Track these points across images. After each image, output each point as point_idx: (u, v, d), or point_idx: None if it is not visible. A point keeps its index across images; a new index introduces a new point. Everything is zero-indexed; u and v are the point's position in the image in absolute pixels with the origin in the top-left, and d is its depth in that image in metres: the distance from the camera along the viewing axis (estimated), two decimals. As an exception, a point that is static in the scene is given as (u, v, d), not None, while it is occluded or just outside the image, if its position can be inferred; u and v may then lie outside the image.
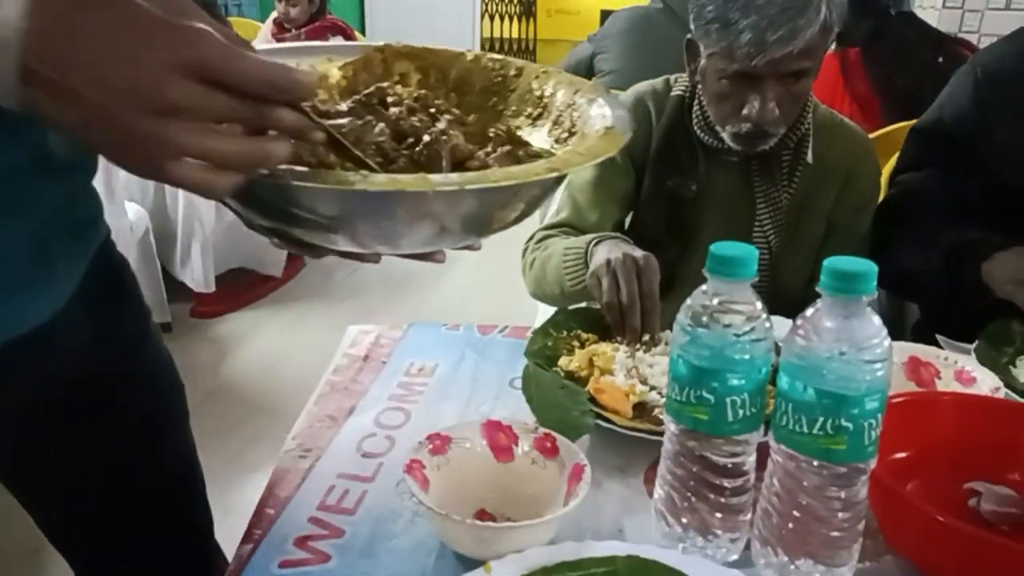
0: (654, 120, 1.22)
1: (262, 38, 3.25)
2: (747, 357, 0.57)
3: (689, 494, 0.62)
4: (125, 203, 2.36)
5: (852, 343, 0.54)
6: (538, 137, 0.62)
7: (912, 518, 0.60)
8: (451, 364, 0.92)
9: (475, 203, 0.52)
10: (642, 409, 0.81)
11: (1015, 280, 0.92)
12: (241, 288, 2.86)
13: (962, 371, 0.85)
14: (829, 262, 0.55)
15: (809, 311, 0.56)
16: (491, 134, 0.59)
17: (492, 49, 5.68)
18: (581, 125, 0.59)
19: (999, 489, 0.67)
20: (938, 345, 1.03)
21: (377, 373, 0.89)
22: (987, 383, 0.82)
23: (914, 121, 1.30)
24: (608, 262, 0.95)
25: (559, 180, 0.55)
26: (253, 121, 0.46)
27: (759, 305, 0.58)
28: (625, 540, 0.63)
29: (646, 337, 0.91)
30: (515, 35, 6.14)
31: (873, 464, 0.57)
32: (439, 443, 0.67)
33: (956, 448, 0.69)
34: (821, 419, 0.55)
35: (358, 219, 0.52)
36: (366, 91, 0.59)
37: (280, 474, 0.71)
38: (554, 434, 0.68)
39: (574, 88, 0.62)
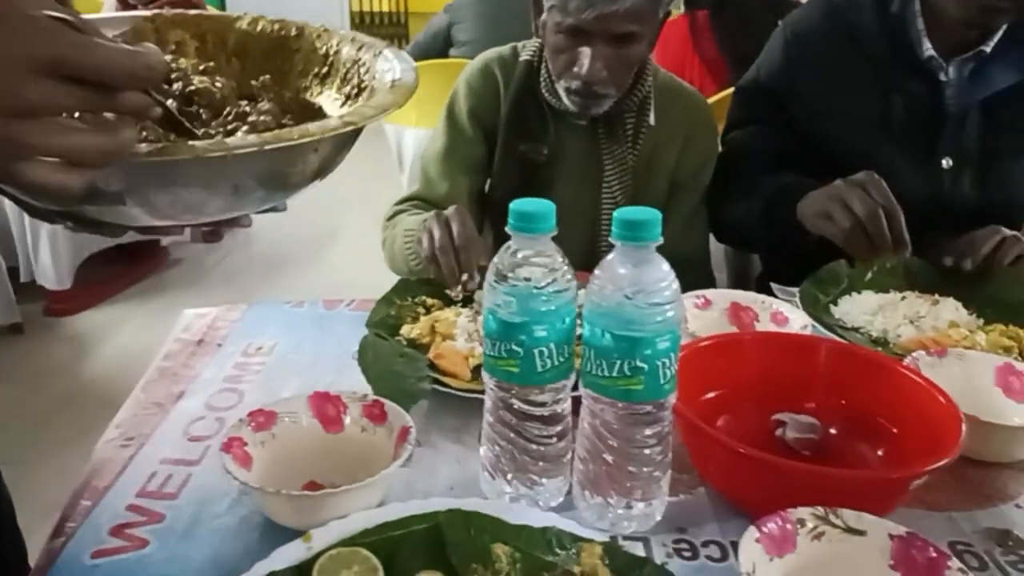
0: (502, 87, 1.23)
1: (107, 10, 3.05)
2: (551, 308, 0.59)
3: (510, 446, 0.63)
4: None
5: (640, 288, 0.57)
6: (327, 96, 0.61)
7: (717, 451, 0.64)
8: (291, 342, 0.90)
9: (272, 162, 0.51)
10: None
11: (818, 213, 0.99)
12: (101, 282, 2.70)
13: (778, 313, 0.91)
14: (619, 212, 0.57)
15: (605, 261, 0.59)
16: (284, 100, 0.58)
17: (363, 23, 5.55)
18: (369, 80, 0.59)
19: (800, 418, 0.73)
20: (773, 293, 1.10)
21: (211, 356, 0.87)
22: (798, 322, 0.88)
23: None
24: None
25: (355, 134, 0.54)
26: (101, 109, 0.43)
27: (559, 258, 0.60)
28: (455, 497, 0.65)
29: (466, 278, 0.93)
30: (386, 8, 6.02)
31: (672, 400, 0.60)
32: (263, 419, 0.66)
33: (761, 383, 0.74)
34: (618, 362, 0.57)
35: (152, 190, 0.50)
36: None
37: (98, 464, 0.68)
38: (383, 400, 0.69)
39: (357, 44, 0.62)
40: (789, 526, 0.55)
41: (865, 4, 1.15)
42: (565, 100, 1.17)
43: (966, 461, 0.72)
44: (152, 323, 2.55)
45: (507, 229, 0.59)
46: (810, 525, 0.56)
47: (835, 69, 1.16)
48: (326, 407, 0.68)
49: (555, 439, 0.64)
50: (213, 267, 3.09)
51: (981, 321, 0.97)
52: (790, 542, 0.55)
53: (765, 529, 0.54)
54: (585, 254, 1.28)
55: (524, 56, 1.24)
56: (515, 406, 0.62)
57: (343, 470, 0.66)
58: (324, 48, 0.63)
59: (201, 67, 0.59)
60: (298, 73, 0.62)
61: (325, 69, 0.62)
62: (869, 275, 1.06)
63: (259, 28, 0.63)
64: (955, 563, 0.52)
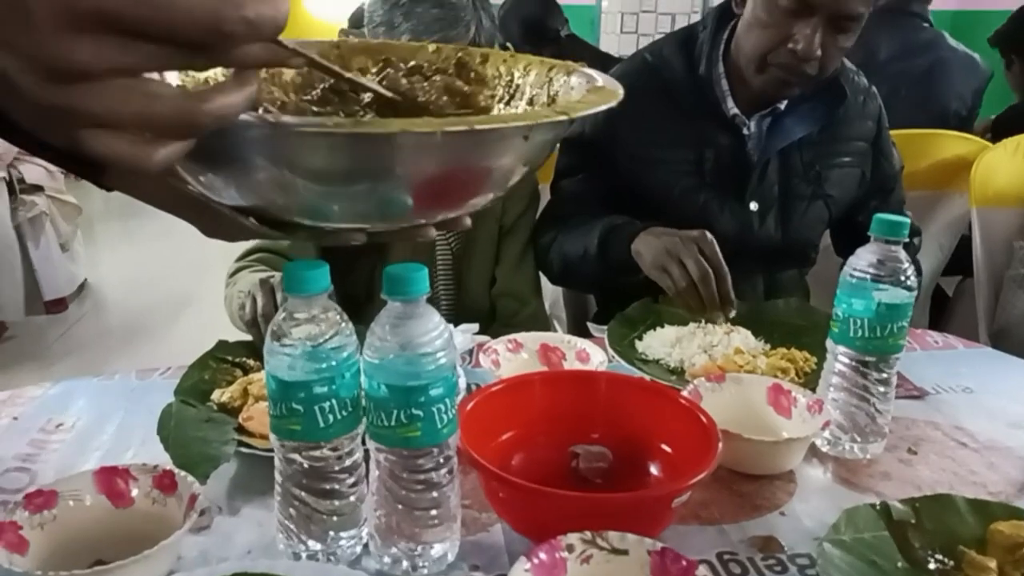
0: None
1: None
2: (331, 364, 0.61)
3: (302, 504, 0.64)
4: None
5: (411, 339, 0.60)
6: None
7: (498, 487, 0.67)
8: (96, 417, 0.88)
9: (481, 149, 0.45)
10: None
11: (656, 265, 1.07)
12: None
13: (582, 351, 0.97)
14: (388, 269, 0.60)
15: (380, 315, 0.61)
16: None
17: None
18: (563, 95, 0.56)
19: (592, 448, 0.78)
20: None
21: (2, 434, 0.83)
22: (596, 358, 0.94)
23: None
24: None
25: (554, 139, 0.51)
26: (186, 66, 0.36)
27: (336, 316, 0.62)
28: (252, 560, 0.65)
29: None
30: None
31: (454, 443, 0.64)
32: (41, 500, 0.64)
33: (553, 420, 0.78)
34: (395, 411, 0.60)
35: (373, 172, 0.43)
36: (329, 83, 0.53)
37: None
38: (173, 469, 0.68)
39: (548, 67, 0.59)
40: (559, 552, 0.59)
41: (676, 64, 1.26)
42: None
43: (740, 476, 0.79)
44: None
45: (284, 291, 0.61)
46: (579, 549, 0.59)
47: (653, 122, 1.27)
48: (113, 481, 0.67)
49: (346, 492, 0.65)
50: (55, 341, 2.91)
51: (768, 347, 1.06)
52: (560, 567, 0.59)
53: (535, 558, 0.58)
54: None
55: None
56: (302, 464, 0.63)
57: (133, 546, 0.65)
58: (510, 73, 0.59)
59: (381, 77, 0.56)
60: (483, 99, 0.58)
61: (510, 93, 0.59)
62: (673, 309, 1.14)
63: (444, 55, 0.60)
64: (703, 570, 0.57)
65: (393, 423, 0.60)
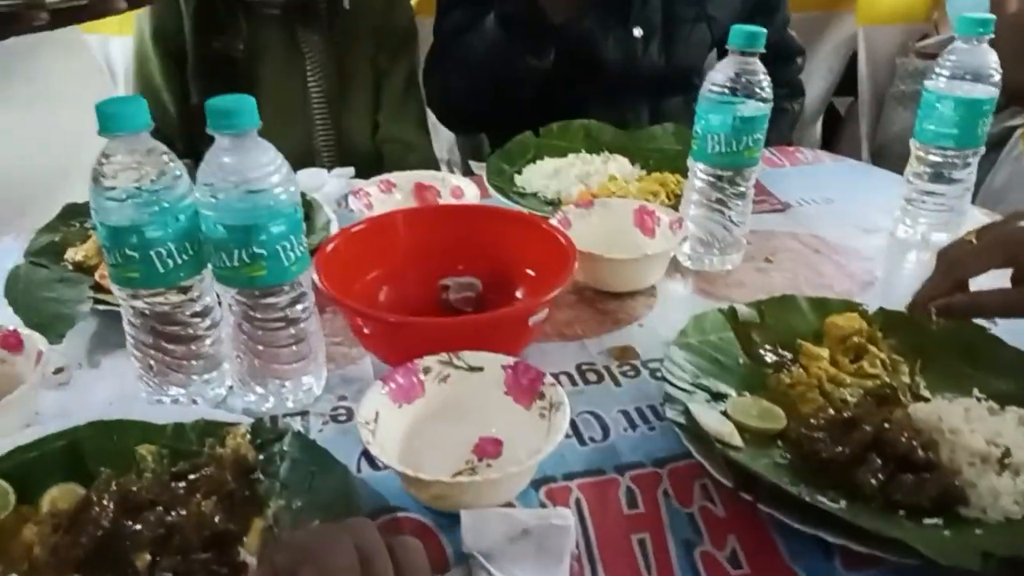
0: None
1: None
2: (162, 206, 0.58)
3: (158, 351, 0.64)
4: None
5: (245, 175, 0.57)
6: None
7: (359, 320, 0.68)
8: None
9: None
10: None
11: None
12: None
13: (456, 188, 0.95)
14: (211, 102, 0.57)
15: (210, 151, 0.58)
16: None
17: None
18: None
19: (461, 279, 0.78)
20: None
21: None
22: (471, 193, 0.93)
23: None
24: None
25: None
26: None
27: (162, 155, 0.59)
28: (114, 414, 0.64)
29: None
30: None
31: (307, 280, 0.63)
32: None
33: (421, 255, 0.78)
34: (237, 251, 0.59)
35: None
36: None
37: None
38: (20, 329, 0.66)
39: None
40: (416, 376, 0.61)
41: None
42: None
43: (603, 294, 0.82)
44: None
45: (97, 133, 0.57)
46: (436, 371, 0.61)
47: None
48: (-46, 345, 0.64)
49: (203, 336, 0.64)
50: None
51: (643, 172, 1.07)
52: (418, 389, 0.61)
53: (392, 381, 0.59)
54: (303, 150, 1.28)
55: None
56: (148, 311, 0.62)
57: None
58: None
59: None
60: None
61: None
62: (553, 142, 1.13)
63: None
64: (548, 380, 0.59)
65: (236, 263, 0.59)
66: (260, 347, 0.63)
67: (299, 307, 0.63)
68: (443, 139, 1.69)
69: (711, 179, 0.83)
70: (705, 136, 0.81)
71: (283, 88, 1.26)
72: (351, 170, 1.07)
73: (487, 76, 1.23)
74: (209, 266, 0.62)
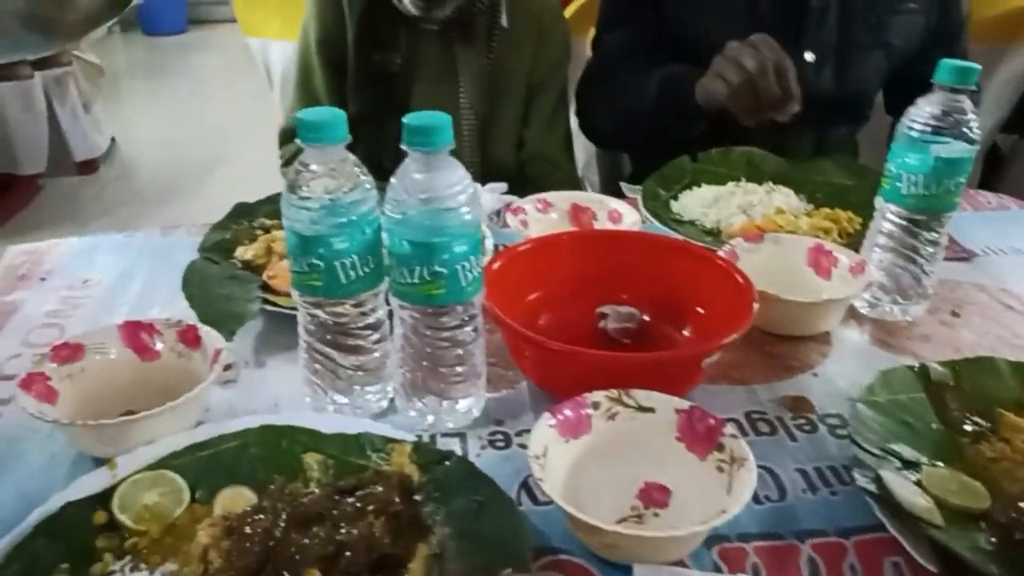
0: (346, 5, 1.21)
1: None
2: (350, 219, 0.59)
3: (327, 359, 0.64)
4: None
5: (434, 193, 0.57)
6: None
7: (527, 346, 0.66)
8: (121, 273, 0.87)
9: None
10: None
11: (711, 76, 1.01)
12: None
13: (614, 211, 0.93)
14: (408, 118, 0.56)
15: (400, 169, 0.58)
16: None
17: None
18: None
19: (620, 308, 0.76)
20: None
21: (32, 291, 0.83)
22: (630, 218, 0.90)
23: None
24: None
25: None
26: None
27: (355, 168, 0.59)
28: (280, 415, 0.65)
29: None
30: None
31: (479, 301, 0.62)
32: (68, 352, 0.64)
33: (581, 280, 0.76)
34: (418, 268, 0.58)
35: None
36: None
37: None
38: (197, 324, 0.68)
39: None
40: (584, 410, 0.58)
41: None
42: (408, 4, 1.15)
43: (773, 337, 0.77)
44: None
45: (297, 142, 0.58)
46: (604, 407, 0.59)
47: None
48: (139, 335, 0.67)
49: (371, 348, 0.64)
50: (89, 201, 2.94)
51: (810, 207, 1.01)
52: (585, 424, 0.58)
53: (560, 415, 0.57)
54: None
55: None
56: (325, 320, 0.62)
57: (160, 398, 0.65)
58: None
59: None
60: None
61: None
62: (712, 168, 1.09)
63: None
64: (728, 429, 0.56)
65: (416, 280, 0.58)
66: (425, 364, 0.63)
67: (468, 328, 0.62)
68: (579, 155, 1.67)
69: (904, 223, 0.76)
70: (900, 176, 0.75)
71: (435, 102, 1.27)
72: (504, 185, 1.06)
73: (639, 122, 1.20)
74: (386, 279, 0.62)
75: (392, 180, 0.58)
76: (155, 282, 0.86)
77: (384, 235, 0.59)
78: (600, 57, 1.30)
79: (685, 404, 0.58)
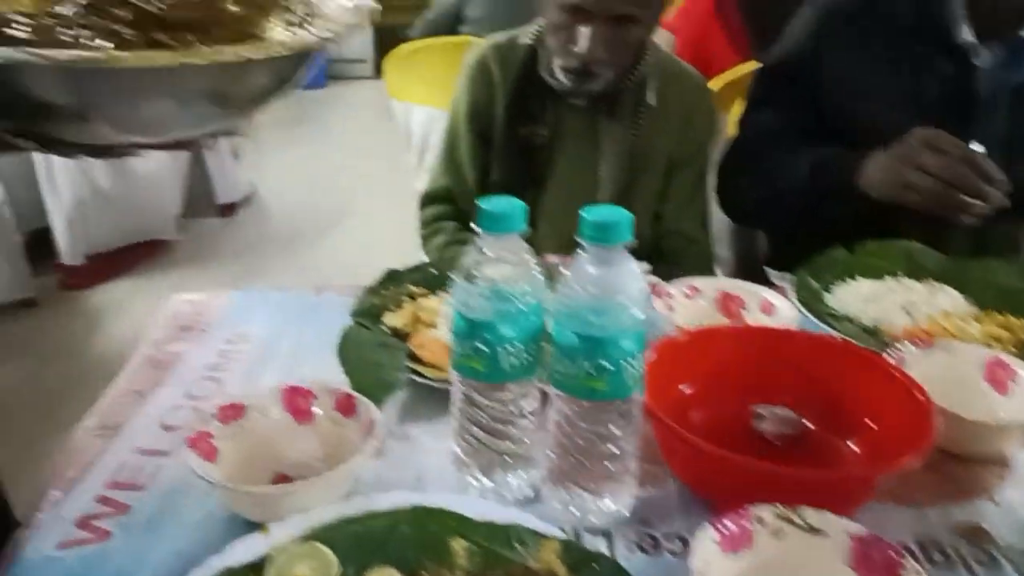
0: (498, 79, 1.26)
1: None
2: (518, 307, 0.58)
3: (478, 441, 0.63)
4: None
5: (606, 289, 0.56)
6: (266, 28, 0.61)
7: (682, 446, 0.63)
8: (275, 330, 0.90)
9: (221, 77, 0.54)
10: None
11: (893, 184, 0.97)
12: (116, 255, 2.72)
13: (767, 302, 0.89)
14: (587, 211, 0.56)
15: (574, 260, 0.58)
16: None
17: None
18: (317, 8, 0.61)
19: (777, 410, 0.72)
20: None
21: (194, 343, 0.87)
22: (785, 312, 0.86)
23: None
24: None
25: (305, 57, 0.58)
26: None
27: (528, 257, 0.59)
28: (424, 491, 0.65)
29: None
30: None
31: (639, 398, 0.60)
32: (231, 412, 0.66)
33: (738, 376, 0.73)
34: (584, 361, 0.57)
35: (107, 100, 0.52)
36: None
37: (71, 455, 0.69)
38: (352, 392, 0.69)
39: None
40: (747, 523, 0.55)
41: None
42: (560, 78, 1.17)
43: (944, 455, 0.71)
44: (164, 299, 2.57)
45: (473, 227, 0.59)
46: (770, 523, 0.55)
47: (864, 47, 1.14)
48: (296, 400, 0.69)
49: (521, 435, 0.63)
50: (225, 243, 3.11)
51: (977, 310, 0.94)
52: (747, 539, 0.55)
53: (722, 527, 0.54)
54: None
55: (524, 40, 1.25)
56: (482, 402, 0.62)
57: (313, 463, 0.67)
58: None
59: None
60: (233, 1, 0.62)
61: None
62: (869, 261, 1.03)
63: None
64: (911, 564, 0.51)
65: (579, 373, 0.57)
66: (577, 455, 0.61)
67: (625, 424, 0.60)
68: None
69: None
70: (1101, 292, 0.68)
71: (576, 174, 1.28)
72: (647, 265, 1.04)
73: (787, 202, 1.17)
74: (541, 369, 0.61)
75: (562, 268, 0.58)
76: (306, 339, 0.88)
77: (550, 324, 0.59)
78: (748, 136, 1.28)
79: (860, 530, 0.53)
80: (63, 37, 0.53)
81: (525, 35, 1.26)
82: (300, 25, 0.61)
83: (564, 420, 0.60)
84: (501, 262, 0.58)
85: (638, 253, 1.36)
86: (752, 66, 1.86)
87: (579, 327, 0.56)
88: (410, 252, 1.33)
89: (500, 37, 1.29)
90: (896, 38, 1.12)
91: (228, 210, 3.26)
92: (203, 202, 3.17)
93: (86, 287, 2.61)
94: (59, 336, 2.36)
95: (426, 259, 1.35)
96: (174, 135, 0.59)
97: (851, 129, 1.17)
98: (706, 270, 1.33)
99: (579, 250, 0.57)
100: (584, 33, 1.11)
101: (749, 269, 1.51)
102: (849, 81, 1.16)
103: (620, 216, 0.56)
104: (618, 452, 0.61)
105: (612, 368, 0.57)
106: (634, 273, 0.57)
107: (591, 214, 0.56)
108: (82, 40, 0.53)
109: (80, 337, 2.37)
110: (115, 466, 0.67)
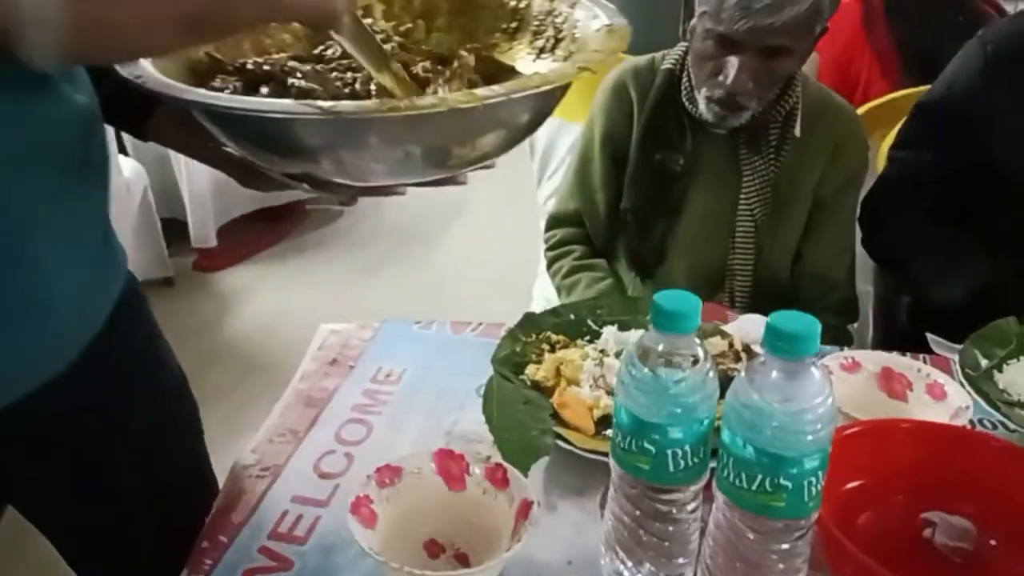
0: (635, 102, 1.23)
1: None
2: (690, 409, 0.56)
3: (631, 534, 0.62)
4: (120, 159, 2.34)
5: (792, 404, 0.53)
6: (518, 52, 0.61)
7: (851, 561, 0.59)
8: (419, 369, 0.92)
9: (494, 116, 0.54)
10: (607, 422, 0.80)
11: None
12: (243, 241, 2.85)
13: (934, 384, 0.83)
14: (773, 319, 0.53)
15: (752, 367, 0.55)
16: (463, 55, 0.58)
17: None
18: (569, 30, 0.60)
19: (954, 520, 0.67)
20: (926, 343, 1.02)
21: (343, 379, 0.89)
22: (956, 399, 0.80)
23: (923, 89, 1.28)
24: None
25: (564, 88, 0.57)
26: None
27: (702, 354, 0.57)
28: (573, 573, 0.64)
29: None
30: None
31: (815, 517, 0.56)
32: (388, 475, 0.67)
33: (912, 477, 0.68)
34: (760, 476, 0.54)
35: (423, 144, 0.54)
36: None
37: (235, 495, 0.72)
38: (505, 465, 0.68)
39: None
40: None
41: None
42: (704, 109, 1.14)
43: None
44: (290, 283, 2.69)
45: (649, 325, 0.56)
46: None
47: None
48: (449, 465, 0.69)
49: (679, 535, 0.61)
50: (346, 231, 3.20)
51: None
52: None
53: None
54: (717, 268, 1.25)
55: (665, 64, 1.22)
56: (641, 499, 0.60)
57: (463, 531, 0.67)
58: (512, 2, 0.62)
59: (401, 28, 0.60)
60: (485, 31, 0.62)
61: (514, 24, 0.62)
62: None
63: None
64: None
65: (755, 488, 0.54)
66: (739, 566, 0.58)
67: (799, 539, 0.57)
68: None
69: None
70: None
71: (713, 205, 1.24)
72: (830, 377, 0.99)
73: (924, 270, 1.11)
74: (708, 471, 0.59)
75: (741, 375, 0.55)
76: (448, 384, 0.89)
77: (724, 432, 0.56)
78: (896, 177, 1.22)
79: None
80: (338, 84, 0.55)
81: (666, 59, 1.22)
82: (552, 50, 0.60)
83: (729, 527, 0.58)
84: (674, 361, 0.56)
85: (774, 293, 1.31)
86: (902, 93, 1.76)
87: (758, 441, 0.54)
88: (523, 257, 1.32)
89: (640, 59, 1.25)
90: None
91: (349, 199, 3.34)
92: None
93: (217, 269, 2.74)
94: (193, 315, 2.49)
95: (551, 281, 1.35)
96: (442, 173, 0.59)
97: (1016, 181, 1.09)
98: (847, 317, 1.26)
99: (760, 357, 0.54)
100: (733, 63, 1.07)
101: (890, 320, 1.43)
102: (1014, 127, 1.07)
103: (810, 328, 0.52)
104: (782, 569, 0.58)
105: (791, 487, 0.54)
106: (821, 387, 0.53)
107: (777, 324, 0.52)
108: (358, 86, 0.55)
109: (211, 318, 2.50)
110: (275, 514, 0.70)
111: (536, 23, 0.62)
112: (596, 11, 0.61)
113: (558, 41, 0.61)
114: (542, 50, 0.61)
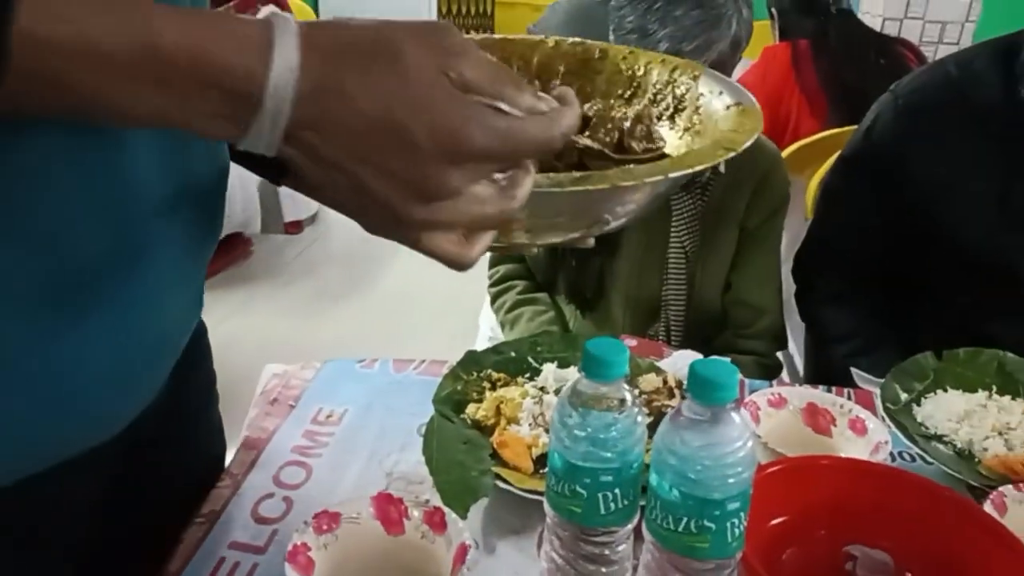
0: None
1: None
2: (622, 456, 0.58)
3: (568, 571, 0.63)
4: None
5: (714, 448, 0.55)
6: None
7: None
8: (360, 409, 0.92)
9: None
10: (546, 461, 0.82)
11: None
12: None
13: (856, 419, 0.87)
14: (695, 365, 0.56)
15: (677, 412, 0.57)
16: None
17: (449, 14, 5.56)
18: (691, 101, 0.61)
19: (874, 553, 0.70)
20: (851, 379, 1.07)
21: (283, 419, 0.89)
22: (876, 435, 0.84)
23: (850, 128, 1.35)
24: None
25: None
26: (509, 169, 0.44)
27: (630, 399, 0.59)
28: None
29: None
30: (474, -3, 5.99)
31: (739, 557, 0.59)
32: (326, 522, 0.67)
33: (833, 512, 0.71)
34: (685, 519, 0.56)
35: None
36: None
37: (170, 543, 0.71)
38: (444, 508, 0.69)
39: (670, 66, 0.62)
40: None
41: (990, 82, 1.08)
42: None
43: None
44: (234, 312, 2.64)
45: (578, 372, 0.59)
46: None
47: (951, 147, 1.11)
48: (388, 510, 0.69)
49: (612, 572, 0.63)
50: (293, 259, 3.18)
51: (1082, 438, 0.90)
52: None
53: None
54: (653, 299, 1.30)
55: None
56: (573, 542, 0.61)
57: (400, 574, 0.68)
58: (630, 70, 0.63)
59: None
60: (600, 94, 0.63)
61: (630, 91, 0.63)
62: (958, 370, 1.00)
63: (562, 49, 0.64)
64: None
65: (680, 530, 0.56)
66: (669, 602, 0.60)
67: (722, 577, 0.59)
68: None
69: None
70: None
71: (645, 240, 1.29)
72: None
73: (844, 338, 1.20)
74: (637, 513, 0.61)
75: (666, 420, 0.58)
76: (392, 423, 0.89)
77: (652, 475, 0.58)
78: (822, 238, 1.31)
79: None
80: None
81: None
82: (671, 119, 0.62)
83: (658, 568, 0.60)
84: (604, 409, 0.58)
85: (707, 322, 1.35)
86: (829, 133, 1.85)
87: (682, 484, 0.56)
88: (471, 280, 1.34)
89: None
90: (984, 138, 1.09)
91: (294, 227, 3.32)
92: (271, 218, 3.24)
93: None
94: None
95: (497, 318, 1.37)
96: (577, 236, 0.61)
97: (935, 230, 1.15)
98: (775, 343, 1.32)
99: (684, 404, 0.57)
100: None
101: (820, 349, 1.49)
102: (933, 180, 1.14)
103: (730, 375, 0.55)
104: (711, 605, 0.60)
105: (715, 528, 0.56)
106: (741, 431, 0.56)
107: (700, 370, 0.55)
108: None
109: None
110: (212, 563, 0.69)
111: (654, 91, 0.62)
112: (720, 87, 0.61)
113: (677, 111, 0.62)
114: (658, 117, 0.62)
